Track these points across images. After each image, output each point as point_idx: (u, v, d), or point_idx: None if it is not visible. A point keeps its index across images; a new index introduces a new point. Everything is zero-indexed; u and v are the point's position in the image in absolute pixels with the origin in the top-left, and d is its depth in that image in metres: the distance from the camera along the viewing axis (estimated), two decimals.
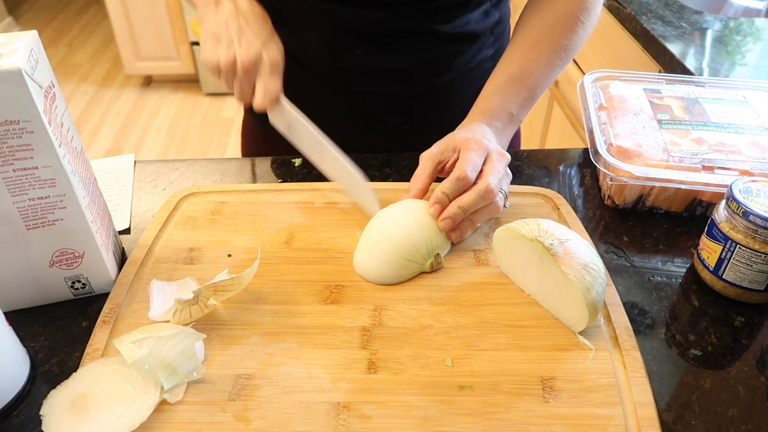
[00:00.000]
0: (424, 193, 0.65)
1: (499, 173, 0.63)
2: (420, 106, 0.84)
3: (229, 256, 0.63)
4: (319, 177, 0.77)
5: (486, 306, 0.58)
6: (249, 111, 0.94)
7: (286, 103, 0.66)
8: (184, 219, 0.69)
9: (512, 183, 0.74)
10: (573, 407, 0.49)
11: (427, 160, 0.65)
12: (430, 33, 0.77)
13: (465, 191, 0.61)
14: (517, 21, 0.76)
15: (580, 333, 0.55)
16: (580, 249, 0.54)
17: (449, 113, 0.85)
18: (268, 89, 0.64)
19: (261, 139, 0.93)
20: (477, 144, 0.63)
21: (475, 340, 0.54)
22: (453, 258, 0.63)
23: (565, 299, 0.54)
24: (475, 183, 0.62)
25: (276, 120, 0.67)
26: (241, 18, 0.64)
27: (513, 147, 0.97)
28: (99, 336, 0.54)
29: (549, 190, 0.72)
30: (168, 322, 0.55)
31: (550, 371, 0.52)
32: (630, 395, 0.49)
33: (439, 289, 0.60)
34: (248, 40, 0.63)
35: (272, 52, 0.64)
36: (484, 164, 0.63)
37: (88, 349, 0.53)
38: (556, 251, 0.53)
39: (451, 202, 0.62)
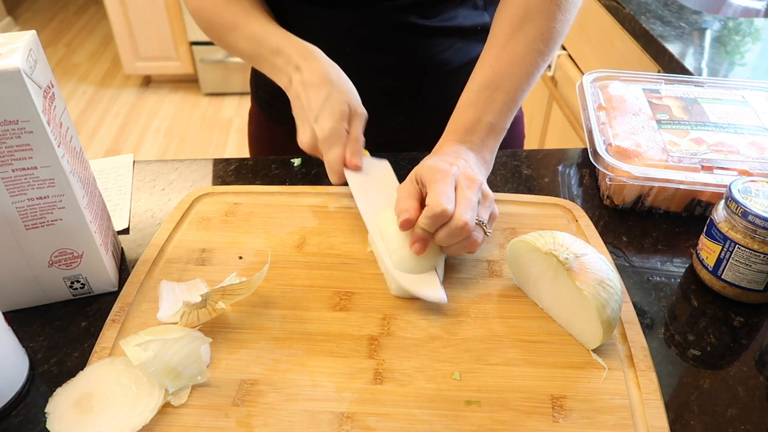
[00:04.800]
0: (411, 225, 0.59)
1: (471, 203, 0.57)
2: (414, 100, 0.84)
3: (240, 258, 0.63)
4: (319, 177, 0.77)
5: (498, 319, 0.56)
6: (256, 101, 0.95)
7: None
8: (198, 219, 0.68)
9: (519, 188, 0.75)
10: (583, 428, 0.47)
11: (407, 197, 0.61)
12: (412, 28, 0.77)
13: (443, 225, 0.56)
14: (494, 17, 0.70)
15: (594, 351, 0.53)
16: (597, 264, 0.52)
17: (444, 108, 0.85)
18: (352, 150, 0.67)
19: (265, 128, 0.94)
20: (442, 174, 0.58)
21: (484, 354, 0.53)
22: (466, 268, 0.62)
23: (579, 315, 0.52)
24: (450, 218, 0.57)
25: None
26: (303, 95, 0.67)
27: (516, 147, 0.97)
28: (107, 334, 0.54)
29: (568, 201, 0.70)
30: (176, 323, 0.55)
31: (561, 389, 0.50)
32: (643, 418, 0.48)
33: (450, 299, 0.58)
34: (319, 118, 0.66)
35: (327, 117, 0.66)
36: (456, 195, 0.58)
37: (96, 348, 0.53)
38: (571, 266, 0.52)
39: (432, 236, 0.57)
